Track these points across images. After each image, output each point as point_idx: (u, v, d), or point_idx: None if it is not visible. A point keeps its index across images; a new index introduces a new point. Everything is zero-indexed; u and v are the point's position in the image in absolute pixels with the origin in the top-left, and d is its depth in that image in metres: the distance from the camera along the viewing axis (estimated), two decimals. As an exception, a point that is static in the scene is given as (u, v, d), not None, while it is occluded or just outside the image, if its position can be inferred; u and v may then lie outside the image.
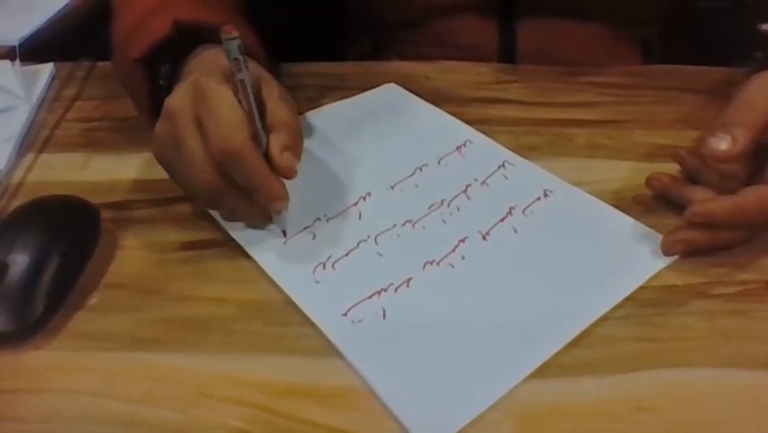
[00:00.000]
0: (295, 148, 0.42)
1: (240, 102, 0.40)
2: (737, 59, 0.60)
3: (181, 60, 0.47)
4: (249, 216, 0.44)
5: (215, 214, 0.46)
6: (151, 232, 0.46)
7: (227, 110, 0.39)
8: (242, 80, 0.40)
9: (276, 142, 0.41)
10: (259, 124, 0.41)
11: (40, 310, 0.39)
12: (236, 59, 0.39)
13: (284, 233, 0.44)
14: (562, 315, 0.39)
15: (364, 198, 0.47)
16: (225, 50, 0.39)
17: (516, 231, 0.44)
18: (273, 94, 0.43)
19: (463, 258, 0.42)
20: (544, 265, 0.42)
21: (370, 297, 0.40)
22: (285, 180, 0.42)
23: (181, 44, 0.47)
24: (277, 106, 0.42)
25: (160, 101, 0.45)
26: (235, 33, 0.39)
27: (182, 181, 0.42)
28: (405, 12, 0.65)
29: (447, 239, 0.44)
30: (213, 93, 0.39)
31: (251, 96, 0.40)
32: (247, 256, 0.43)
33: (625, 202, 0.47)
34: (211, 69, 0.41)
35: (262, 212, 0.43)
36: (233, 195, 0.42)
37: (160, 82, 0.48)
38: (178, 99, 0.41)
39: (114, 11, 0.53)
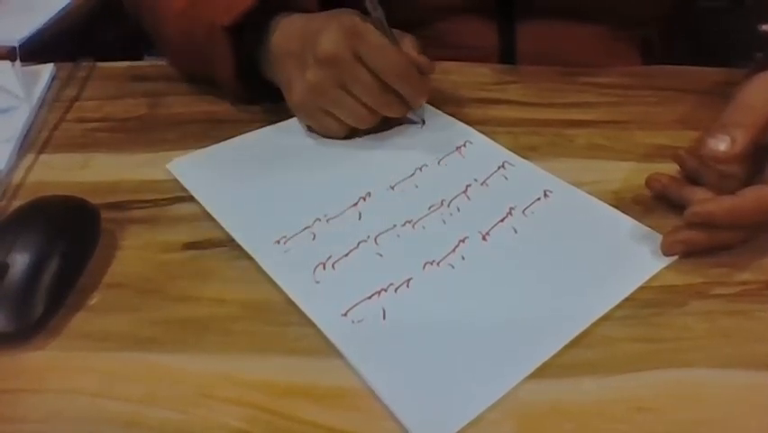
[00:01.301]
0: (421, 48, 0.51)
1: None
2: (737, 60, 0.60)
3: (263, 28, 0.52)
4: (400, 116, 0.53)
5: (217, 215, 0.46)
6: (151, 232, 0.46)
7: (383, 41, 0.47)
8: (377, 18, 0.48)
9: (409, 48, 0.50)
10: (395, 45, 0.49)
11: (40, 310, 0.39)
12: (376, 8, 0.48)
13: (423, 122, 0.55)
14: (562, 315, 0.39)
15: (364, 198, 0.47)
16: (367, 2, 0.48)
17: (516, 231, 0.44)
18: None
19: (463, 258, 0.42)
20: (544, 265, 0.42)
21: (370, 297, 0.40)
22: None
23: (268, 13, 0.52)
24: (398, 33, 0.51)
25: (243, 67, 0.53)
26: None
27: (344, 113, 0.50)
28: (404, 13, 0.65)
29: (447, 239, 0.44)
30: (364, 30, 0.47)
31: (385, 25, 0.49)
32: (247, 256, 0.43)
33: (625, 202, 0.47)
34: (347, 17, 0.48)
35: (409, 111, 0.53)
36: (396, 104, 0.50)
37: (245, 48, 0.52)
38: (331, 44, 0.47)
39: None
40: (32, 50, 0.66)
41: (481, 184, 0.48)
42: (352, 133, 0.53)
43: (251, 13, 0.51)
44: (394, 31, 0.50)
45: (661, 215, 0.45)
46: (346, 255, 0.43)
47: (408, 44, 0.50)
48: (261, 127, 0.55)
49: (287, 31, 0.51)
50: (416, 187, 0.49)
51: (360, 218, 0.46)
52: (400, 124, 0.55)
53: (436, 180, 0.49)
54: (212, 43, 0.52)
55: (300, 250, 0.43)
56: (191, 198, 0.48)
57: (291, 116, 0.55)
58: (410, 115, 0.54)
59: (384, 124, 0.53)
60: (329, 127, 0.52)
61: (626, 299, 0.40)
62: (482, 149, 0.52)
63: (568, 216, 0.46)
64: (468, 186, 0.48)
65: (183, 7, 0.55)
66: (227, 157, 0.52)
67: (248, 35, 0.52)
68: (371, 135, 0.54)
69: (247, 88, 0.55)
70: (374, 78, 0.48)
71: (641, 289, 0.40)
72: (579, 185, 0.48)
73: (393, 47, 0.48)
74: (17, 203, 0.48)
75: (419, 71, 0.50)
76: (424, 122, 0.55)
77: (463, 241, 0.43)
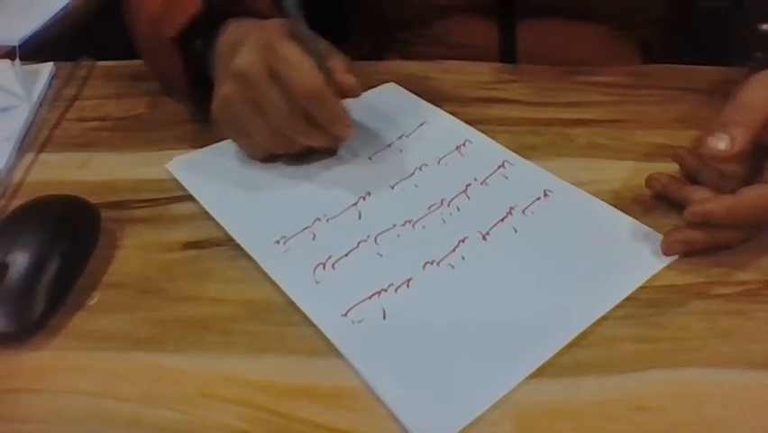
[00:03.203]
0: (352, 70, 0.47)
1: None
2: (737, 59, 0.60)
3: (211, 35, 0.50)
4: (322, 146, 0.49)
5: (216, 215, 0.46)
6: (151, 232, 0.46)
7: (301, 59, 0.43)
8: (297, 31, 0.44)
9: (337, 67, 0.46)
10: (319, 64, 0.45)
11: (40, 310, 0.39)
12: (293, 13, 0.44)
13: (356, 155, 0.51)
14: (562, 315, 0.39)
15: (364, 198, 0.47)
16: (285, 7, 0.44)
17: (516, 231, 0.44)
18: (320, 41, 0.46)
19: (463, 258, 0.42)
20: (544, 265, 0.42)
21: (370, 297, 0.40)
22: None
23: (209, 22, 0.50)
24: (327, 47, 0.47)
25: (195, 75, 0.51)
26: None
27: (257, 133, 0.47)
28: (405, 12, 0.65)
29: (447, 239, 0.44)
30: (282, 47, 0.43)
31: (309, 42, 0.45)
32: (247, 256, 0.43)
33: (625, 202, 0.47)
34: (269, 32, 0.45)
35: (333, 143, 0.49)
36: (312, 131, 0.46)
37: (193, 57, 0.50)
38: (247, 58, 0.44)
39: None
40: (32, 50, 0.66)
41: (481, 183, 0.48)
42: (274, 158, 0.50)
43: (201, 21, 0.50)
44: (329, 48, 0.47)
45: (661, 214, 0.45)
46: (346, 255, 0.43)
47: (337, 63, 0.46)
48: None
49: (227, 38, 0.49)
50: (416, 186, 0.49)
51: (359, 218, 0.46)
52: (330, 156, 0.51)
53: (436, 180, 0.49)
54: (166, 53, 0.51)
55: (300, 250, 0.43)
56: (191, 198, 0.48)
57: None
58: (342, 150, 0.51)
59: (311, 156, 0.50)
60: (244, 146, 0.50)
61: (627, 299, 0.40)
62: (482, 148, 0.52)
63: (568, 215, 0.46)
64: (468, 185, 0.48)
65: (152, 12, 0.53)
66: (227, 157, 0.52)
67: (197, 44, 0.50)
68: (371, 135, 0.53)
69: (204, 98, 0.50)
70: (285, 97, 0.44)
71: (641, 288, 0.40)
72: (579, 184, 0.48)
73: (309, 65, 0.43)
74: (17, 203, 0.48)
75: (343, 93, 0.46)
76: (356, 155, 0.51)
77: (463, 241, 0.43)
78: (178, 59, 0.51)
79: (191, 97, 0.54)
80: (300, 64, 0.43)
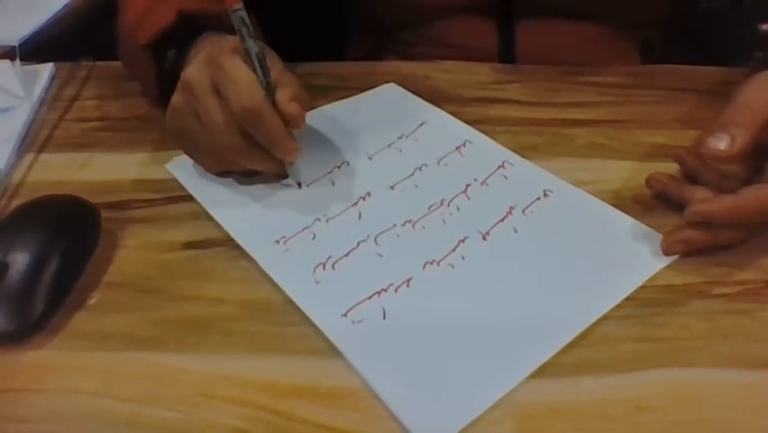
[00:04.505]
0: (301, 100, 0.44)
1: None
2: (737, 59, 0.60)
3: (187, 46, 0.50)
4: (266, 170, 0.47)
5: (216, 215, 0.46)
6: (151, 232, 0.46)
7: (242, 74, 0.42)
8: (246, 49, 0.43)
9: (283, 94, 0.44)
10: (265, 84, 0.43)
11: (40, 310, 0.39)
12: (240, 29, 0.43)
13: (299, 185, 0.48)
14: (562, 315, 0.39)
15: (364, 198, 0.47)
16: (233, 21, 0.43)
17: (516, 231, 0.44)
18: (276, 63, 0.46)
19: (463, 258, 0.42)
20: (544, 265, 0.42)
21: (370, 297, 0.40)
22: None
23: (185, 32, 0.50)
24: (281, 71, 0.46)
25: (167, 85, 0.49)
26: (240, 5, 0.42)
27: (201, 147, 0.46)
28: (403, 13, 0.65)
29: (447, 239, 0.44)
30: (226, 61, 0.43)
31: (256, 60, 0.43)
32: (247, 256, 0.43)
33: (625, 202, 0.47)
34: (220, 46, 0.45)
35: (279, 168, 0.47)
36: (252, 152, 0.45)
37: (166, 65, 0.51)
38: (194, 70, 0.44)
39: (119, 3, 0.56)
40: (32, 50, 0.66)
41: (481, 184, 0.48)
42: (228, 173, 0.49)
43: (174, 32, 0.50)
44: (283, 71, 0.45)
45: (661, 214, 0.45)
46: (346, 255, 0.43)
47: (286, 89, 0.44)
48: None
49: (195, 51, 0.49)
50: (416, 186, 0.49)
51: (359, 218, 0.46)
52: (276, 181, 0.49)
53: (436, 180, 0.49)
54: (141, 59, 0.51)
55: (300, 250, 0.43)
56: (191, 198, 0.48)
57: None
58: (289, 177, 0.48)
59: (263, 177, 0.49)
60: (195, 159, 0.49)
61: (627, 299, 0.40)
62: (482, 148, 0.52)
63: (568, 215, 0.46)
64: (468, 185, 0.48)
65: (132, 17, 0.53)
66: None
67: (171, 54, 0.50)
68: (371, 135, 0.53)
69: None
70: (225, 113, 0.43)
71: (641, 288, 0.40)
72: (579, 184, 0.48)
73: (249, 81, 0.42)
74: (17, 203, 0.48)
75: (285, 122, 0.43)
76: (299, 185, 0.48)
77: (463, 241, 0.43)
78: (151, 67, 0.51)
79: (160, 105, 0.53)
80: (240, 79, 0.42)
